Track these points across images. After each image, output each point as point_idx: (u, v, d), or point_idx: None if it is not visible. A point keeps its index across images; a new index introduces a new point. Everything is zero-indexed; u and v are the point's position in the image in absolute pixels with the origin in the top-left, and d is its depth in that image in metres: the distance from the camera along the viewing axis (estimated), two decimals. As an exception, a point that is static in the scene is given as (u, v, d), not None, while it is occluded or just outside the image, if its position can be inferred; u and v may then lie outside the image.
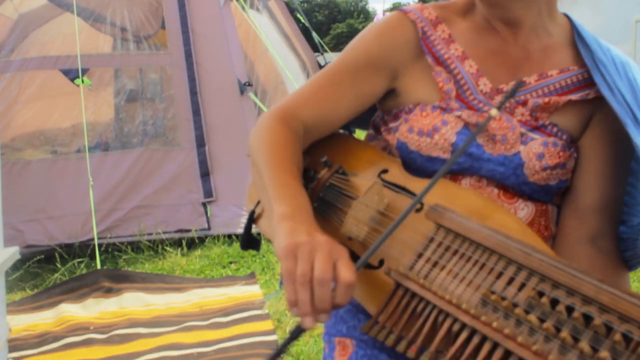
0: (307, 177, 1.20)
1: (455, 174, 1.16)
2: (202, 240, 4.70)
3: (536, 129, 1.15)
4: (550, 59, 1.18)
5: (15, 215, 4.24)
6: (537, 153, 1.13)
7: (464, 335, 0.84)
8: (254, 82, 5.48)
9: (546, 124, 1.15)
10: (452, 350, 0.84)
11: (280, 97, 5.42)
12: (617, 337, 0.72)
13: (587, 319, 0.76)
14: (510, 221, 0.98)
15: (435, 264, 0.95)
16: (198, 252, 4.55)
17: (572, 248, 1.15)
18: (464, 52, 1.19)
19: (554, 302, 0.79)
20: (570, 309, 0.77)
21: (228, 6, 5.10)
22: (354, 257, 1.09)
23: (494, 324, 0.80)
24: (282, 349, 0.91)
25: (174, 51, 4.84)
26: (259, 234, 1.30)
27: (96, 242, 4.12)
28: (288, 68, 5.73)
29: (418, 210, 1.03)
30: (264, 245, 4.11)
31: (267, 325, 3.36)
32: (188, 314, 3.55)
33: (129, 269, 4.24)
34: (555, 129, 1.15)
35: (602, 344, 0.72)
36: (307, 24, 7.10)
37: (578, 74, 1.17)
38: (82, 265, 4.23)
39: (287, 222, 0.93)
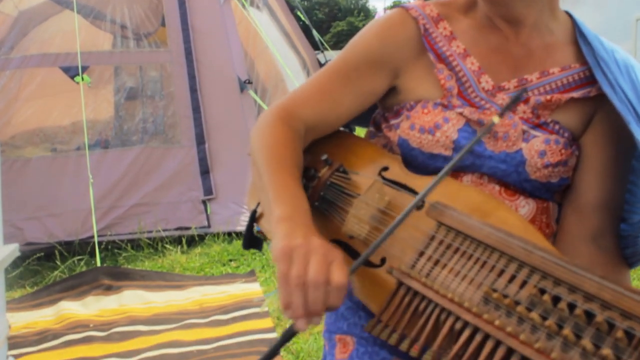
0: (308, 176, 1.20)
1: (456, 171, 1.16)
2: (202, 237, 4.70)
3: (538, 126, 1.15)
4: (552, 56, 1.18)
5: (15, 212, 4.24)
6: (539, 150, 1.12)
7: (466, 334, 0.84)
8: (254, 79, 5.48)
9: (548, 121, 1.15)
10: (455, 348, 0.84)
11: (281, 95, 5.42)
12: (620, 334, 0.72)
13: (589, 316, 0.75)
14: (512, 218, 0.97)
15: (436, 262, 0.95)
16: (198, 249, 4.55)
17: (572, 246, 1.15)
18: (465, 50, 1.19)
19: (556, 300, 0.79)
20: (572, 306, 0.77)
21: (228, 4, 5.10)
22: (356, 255, 1.09)
23: (496, 322, 0.80)
24: (275, 350, 0.92)
25: (174, 49, 4.84)
26: (259, 231, 1.29)
27: (96, 239, 4.12)
28: (288, 66, 5.73)
29: (419, 208, 1.03)
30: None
31: (267, 323, 3.36)
32: (188, 311, 3.55)
33: (129, 266, 4.24)
34: (557, 127, 1.15)
35: (605, 341, 0.72)
36: (307, 22, 7.10)
37: (580, 72, 1.17)
38: (82, 263, 4.23)
39: (284, 224, 0.94)
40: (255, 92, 5.28)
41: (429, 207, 1.00)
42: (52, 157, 4.66)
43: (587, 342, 0.72)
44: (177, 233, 4.66)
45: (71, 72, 4.55)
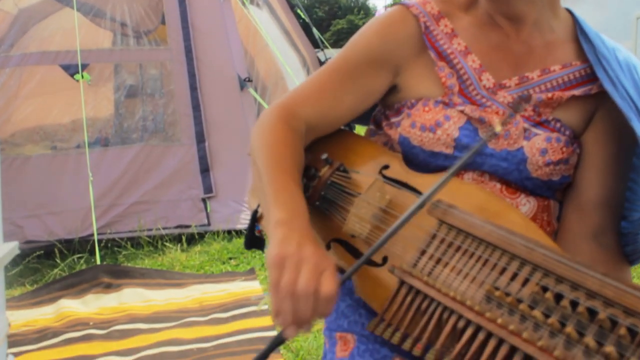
0: (309, 175, 1.20)
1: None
2: (201, 236, 4.70)
3: (539, 124, 1.15)
4: (553, 54, 1.18)
5: (15, 210, 4.24)
6: (540, 148, 1.12)
7: (469, 332, 0.84)
8: (254, 77, 5.48)
9: (549, 119, 1.15)
10: (458, 347, 0.84)
11: (281, 93, 5.42)
12: (622, 331, 0.71)
13: (592, 313, 0.75)
14: (514, 216, 0.97)
15: (438, 261, 0.94)
16: (198, 247, 4.55)
17: (573, 243, 1.15)
18: (466, 47, 1.18)
19: (558, 297, 0.79)
20: (574, 304, 0.77)
21: (228, 2, 5.10)
22: (358, 254, 1.09)
23: (499, 320, 0.80)
24: (264, 355, 0.93)
25: (174, 47, 4.83)
26: (259, 230, 1.29)
27: (96, 237, 4.11)
28: (288, 64, 5.73)
29: (420, 207, 1.03)
30: (264, 241, 4.10)
31: (267, 321, 3.36)
32: (188, 309, 3.55)
33: (129, 264, 4.24)
34: (558, 125, 1.15)
35: (608, 338, 0.72)
36: (307, 20, 7.10)
37: (581, 69, 1.16)
38: (82, 261, 4.23)
39: (280, 229, 0.94)
40: (255, 90, 5.28)
41: (430, 205, 1.00)
42: (52, 155, 4.66)
43: (590, 340, 0.72)
44: (177, 231, 4.66)
45: (71, 70, 4.54)
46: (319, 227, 1.17)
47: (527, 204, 1.16)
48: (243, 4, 5.28)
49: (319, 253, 0.91)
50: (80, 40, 4.49)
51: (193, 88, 4.80)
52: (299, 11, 6.88)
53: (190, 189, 4.74)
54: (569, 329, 0.75)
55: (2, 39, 4.76)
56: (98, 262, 4.00)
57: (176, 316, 3.45)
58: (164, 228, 4.61)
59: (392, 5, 1.30)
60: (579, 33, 1.18)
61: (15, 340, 3.12)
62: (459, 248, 0.93)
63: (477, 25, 1.20)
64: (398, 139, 1.19)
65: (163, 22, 4.96)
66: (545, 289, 0.81)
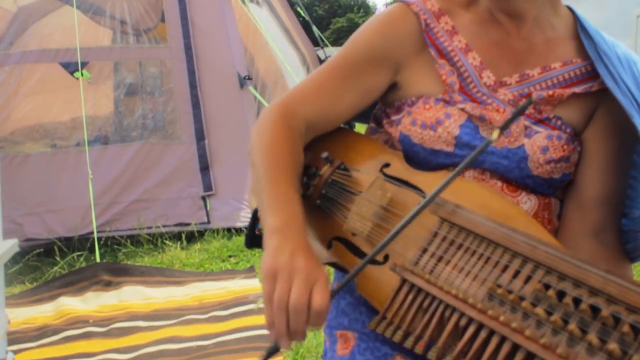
0: (309, 174, 1.20)
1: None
2: (201, 234, 4.70)
3: (540, 122, 1.14)
4: (554, 51, 1.17)
5: (15, 208, 4.24)
6: (541, 146, 1.12)
7: (471, 330, 0.83)
8: (253, 75, 5.48)
9: (550, 117, 1.15)
10: (460, 345, 0.83)
11: (280, 91, 5.42)
12: (625, 328, 0.71)
13: (595, 310, 0.75)
14: (515, 213, 0.97)
15: (440, 259, 0.94)
16: (197, 245, 4.55)
17: (574, 241, 1.15)
18: (467, 45, 1.18)
19: (561, 295, 0.79)
20: (577, 301, 0.77)
21: (228, 0, 5.09)
22: (359, 252, 1.08)
23: (501, 318, 0.80)
24: None
25: (174, 44, 4.83)
26: (259, 229, 1.29)
27: (95, 235, 4.12)
28: (288, 62, 5.73)
29: (421, 210, 1.03)
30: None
31: (267, 319, 3.36)
32: (187, 307, 3.55)
33: (129, 262, 4.24)
34: (559, 122, 1.15)
35: (610, 335, 0.72)
36: (307, 18, 7.09)
37: (581, 67, 1.16)
38: (82, 259, 4.23)
39: (275, 237, 0.96)
40: (255, 88, 5.28)
41: (432, 204, 0.99)
42: (51, 153, 4.66)
43: (593, 337, 0.72)
44: (176, 229, 4.66)
45: (71, 68, 4.54)
46: (320, 226, 1.17)
47: (528, 202, 1.15)
48: (243, 2, 5.28)
49: (310, 264, 0.92)
50: (79, 38, 4.49)
51: (193, 86, 4.80)
52: (298, 9, 6.87)
53: (190, 187, 4.75)
54: (572, 326, 0.74)
55: (1, 37, 4.75)
56: (98, 259, 4.00)
57: (176, 314, 3.45)
58: (163, 226, 4.61)
59: (392, 2, 1.29)
60: (579, 30, 1.17)
61: (15, 337, 3.12)
62: (460, 246, 0.93)
63: (477, 23, 1.20)
64: (399, 137, 1.19)
65: (163, 20, 4.96)
66: (547, 287, 0.80)
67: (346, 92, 1.21)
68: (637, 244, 1.14)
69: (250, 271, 4.05)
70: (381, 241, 0.92)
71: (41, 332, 3.23)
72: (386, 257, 1.03)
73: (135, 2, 5.00)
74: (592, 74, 1.15)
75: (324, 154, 1.19)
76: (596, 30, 1.17)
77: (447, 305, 0.88)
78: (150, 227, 4.58)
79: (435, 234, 0.97)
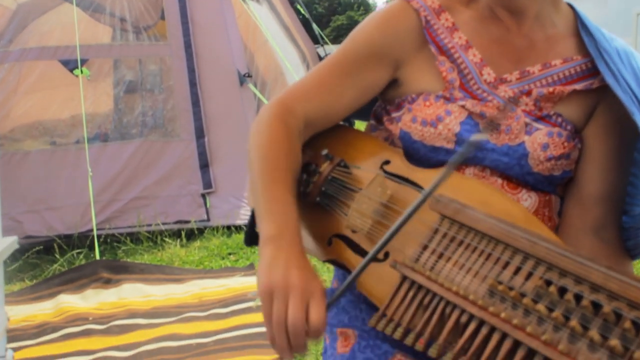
0: (309, 171, 1.19)
1: (459, 164, 1.16)
2: (201, 231, 4.70)
3: (541, 119, 1.14)
4: (554, 48, 1.17)
5: (14, 206, 4.24)
6: (541, 143, 1.12)
7: (472, 327, 0.83)
8: (253, 73, 5.47)
9: (550, 114, 1.14)
10: (461, 342, 0.83)
11: (280, 89, 5.41)
12: (627, 324, 0.71)
13: (596, 306, 0.75)
14: (516, 210, 0.97)
15: (440, 256, 0.94)
16: (197, 243, 4.55)
17: (575, 238, 1.15)
18: (467, 41, 1.18)
19: (562, 291, 0.79)
20: (578, 297, 0.76)
21: (228, -3, 5.09)
22: (359, 250, 1.08)
23: (502, 315, 0.80)
24: None
25: (174, 42, 4.83)
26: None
27: (95, 233, 4.12)
28: (288, 59, 5.72)
29: (418, 207, 1.02)
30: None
31: (266, 316, 3.36)
32: (187, 304, 3.55)
33: (128, 260, 4.24)
34: (559, 119, 1.15)
35: (612, 331, 0.72)
36: (307, 16, 7.09)
37: (582, 64, 1.16)
38: (81, 256, 4.23)
39: (269, 247, 0.97)
40: (255, 85, 5.27)
41: (432, 200, 0.99)
42: (51, 151, 4.66)
43: (594, 333, 0.72)
44: (176, 227, 4.66)
45: (70, 65, 4.54)
46: (320, 223, 1.17)
47: (528, 199, 1.15)
48: (243, -1, 5.28)
49: (304, 278, 0.92)
50: (79, 35, 4.49)
51: (192, 83, 4.79)
52: (298, 7, 6.87)
53: (190, 184, 4.74)
54: (573, 322, 0.74)
55: (1, 34, 4.75)
56: (97, 257, 4.00)
57: (175, 311, 3.45)
58: (163, 223, 4.61)
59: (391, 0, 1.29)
60: (580, 27, 1.17)
61: (14, 335, 3.12)
62: (461, 242, 0.93)
63: (478, 19, 1.19)
64: (399, 134, 1.19)
65: (162, 18, 4.95)
66: (548, 283, 0.80)
67: (346, 89, 1.21)
68: (637, 241, 1.14)
69: (249, 269, 4.05)
70: (378, 243, 0.92)
71: (41, 330, 3.23)
72: (386, 255, 1.03)
73: (135, -1, 5.01)
74: (592, 71, 1.15)
75: (324, 151, 1.19)
76: (596, 28, 1.17)
77: (447, 302, 0.88)
78: (149, 225, 4.58)
79: (436, 231, 0.97)
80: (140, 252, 4.38)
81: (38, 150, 4.61)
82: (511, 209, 0.97)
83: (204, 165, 4.77)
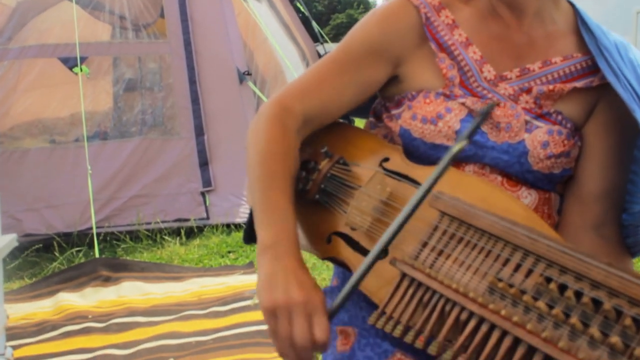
0: (308, 168, 1.19)
1: (458, 162, 1.16)
2: (200, 229, 4.70)
3: (541, 116, 1.14)
4: (554, 46, 1.17)
5: (14, 204, 4.24)
6: (541, 141, 1.12)
7: (472, 324, 0.83)
8: (253, 71, 5.46)
9: (551, 111, 1.14)
10: (461, 339, 0.83)
11: (280, 87, 5.40)
12: (628, 321, 0.71)
13: (597, 303, 0.75)
14: (516, 207, 0.97)
15: (440, 253, 0.94)
16: (197, 241, 4.55)
17: (575, 236, 1.15)
18: (467, 38, 1.18)
19: (562, 288, 0.78)
20: (579, 294, 0.76)
21: (228, -5, 5.08)
22: (358, 247, 1.08)
23: (502, 312, 0.80)
24: None
25: (173, 40, 4.82)
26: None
27: (94, 231, 4.11)
28: (287, 57, 5.72)
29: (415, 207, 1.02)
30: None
31: (266, 314, 3.36)
32: (186, 303, 3.55)
33: (128, 258, 4.24)
34: (559, 117, 1.15)
35: (613, 329, 0.72)
36: (307, 14, 7.08)
37: (582, 61, 1.16)
38: (81, 254, 4.23)
39: (267, 256, 0.98)
40: (255, 83, 5.27)
41: (431, 197, 0.99)
42: (50, 149, 4.65)
43: (594, 330, 0.72)
44: (175, 225, 4.66)
45: (70, 63, 4.53)
46: (319, 221, 1.17)
47: (528, 197, 1.15)
48: (242, -3, 5.27)
49: (304, 292, 0.94)
50: (79, 33, 4.48)
51: (192, 81, 4.78)
52: (298, 5, 6.87)
53: (189, 182, 4.74)
54: (574, 319, 0.74)
55: (0, 32, 4.74)
56: (97, 255, 4.00)
57: (175, 309, 3.45)
58: (162, 222, 4.61)
59: (391, -1, 1.29)
60: (580, 25, 1.17)
61: (14, 333, 3.12)
62: (461, 239, 0.93)
63: (478, 16, 1.19)
64: (399, 131, 1.19)
65: (162, 16, 4.94)
66: (549, 280, 0.80)
67: (345, 86, 1.21)
68: (637, 238, 1.15)
69: (249, 267, 4.05)
70: (375, 245, 0.93)
71: (40, 328, 3.23)
72: (386, 252, 1.03)
73: (135, -3, 5.00)
74: (592, 69, 1.15)
75: (323, 149, 1.19)
76: (597, 25, 1.17)
77: (447, 300, 0.88)
78: (149, 223, 4.58)
79: (436, 228, 0.97)
80: (139, 250, 4.38)
81: (37, 148, 4.60)
82: (511, 206, 0.97)
83: (204, 163, 4.76)
